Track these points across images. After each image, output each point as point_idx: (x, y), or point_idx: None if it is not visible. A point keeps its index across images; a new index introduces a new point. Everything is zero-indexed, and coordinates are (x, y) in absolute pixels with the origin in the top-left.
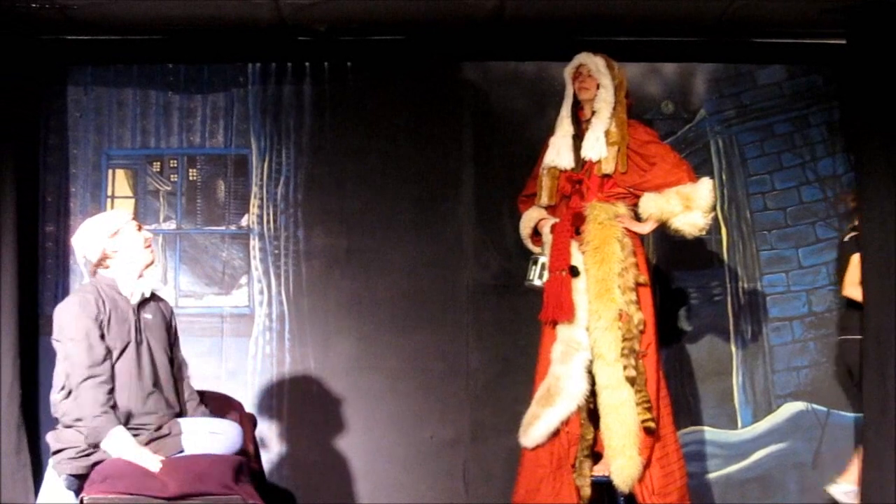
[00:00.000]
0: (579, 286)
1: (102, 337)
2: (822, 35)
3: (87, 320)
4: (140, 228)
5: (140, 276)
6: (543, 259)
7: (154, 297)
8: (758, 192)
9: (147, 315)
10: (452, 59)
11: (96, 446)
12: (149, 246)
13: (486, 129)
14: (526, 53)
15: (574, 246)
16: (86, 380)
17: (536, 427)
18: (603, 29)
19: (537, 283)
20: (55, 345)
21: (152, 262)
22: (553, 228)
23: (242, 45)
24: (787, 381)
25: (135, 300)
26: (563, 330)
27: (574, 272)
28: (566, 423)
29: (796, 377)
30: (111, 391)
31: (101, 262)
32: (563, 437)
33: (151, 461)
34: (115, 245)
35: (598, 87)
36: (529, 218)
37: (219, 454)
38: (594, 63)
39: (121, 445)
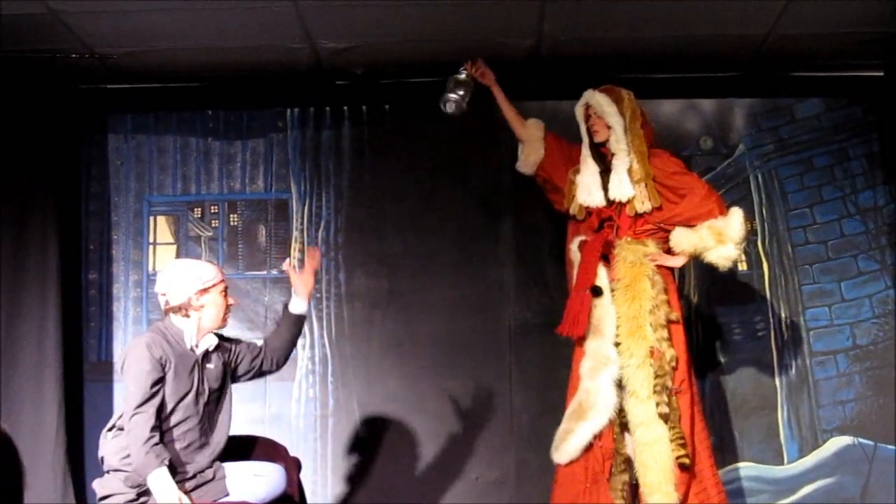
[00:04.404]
0: (604, 302)
1: (162, 380)
2: (860, 67)
3: (149, 363)
4: (226, 291)
5: (207, 333)
6: (461, 77)
7: (217, 345)
8: (799, 226)
9: (209, 365)
10: (490, 99)
11: (142, 491)
12: (228, 314)
13: None
14: (563, 92)
15: (602, 271)
16: (133, 416)
17: (570, 442)
18: (640, 66)
19: (453, 95)
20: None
21: (223, 328)
22: (582, 246)
23: (281, 91)
24: (833, 415)
25: (199, 351)
26: (590, 345)
27: (596, 292)
28: (599, 437)
29: (842, 411)
30: (156, 430)
31: (179, 309)
32: (596, 452)
33: None
34: (201, 301)
35: (608, 127)
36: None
37: None
38: (598, 103)
39: (162, 487)
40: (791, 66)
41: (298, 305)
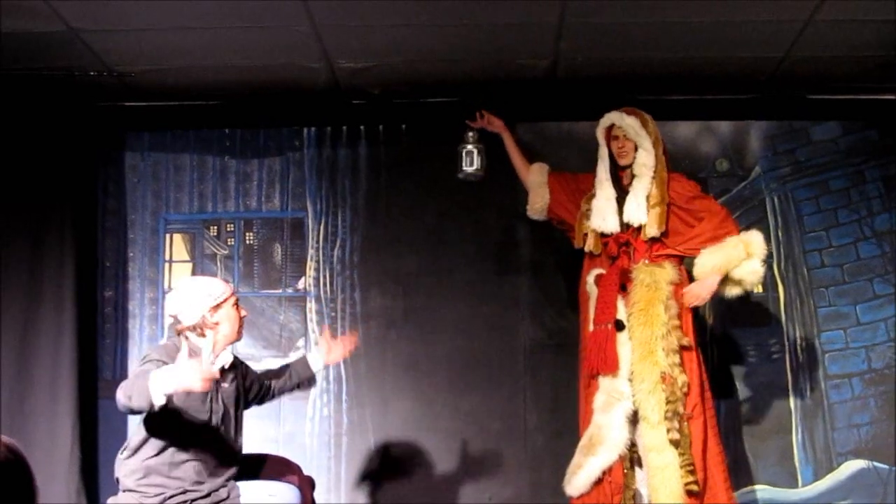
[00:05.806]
0: (621, 338)
1: None
2: (877, 90)
3: (153, 365)
4: (237, 303)
5: (224, 348)
6: (470, 147)
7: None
8: (814, 249)
9: (224, 384)
10: (506, 119)
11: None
12: (242, 326)
13: None
14: (580, 113)
15: (620, 302)
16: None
17: (579, 476)
18: (656, 87)
19: (469, 169)
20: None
21: (239, 340)
22: (598, 280)
23: (297, 110)
24: (848, 438)
25: (215, 369)
26: (604, 380)
27: (619, 326)
28: (609, 471)
29: (857, 434)
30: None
31: (194, 329)
32: (605, 486)
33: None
34: (215, 318)
35: (636, 149)
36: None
37: None
38: (629, 125)
39: (165, 374)
40: (808, 89)
41: (317, 362)
